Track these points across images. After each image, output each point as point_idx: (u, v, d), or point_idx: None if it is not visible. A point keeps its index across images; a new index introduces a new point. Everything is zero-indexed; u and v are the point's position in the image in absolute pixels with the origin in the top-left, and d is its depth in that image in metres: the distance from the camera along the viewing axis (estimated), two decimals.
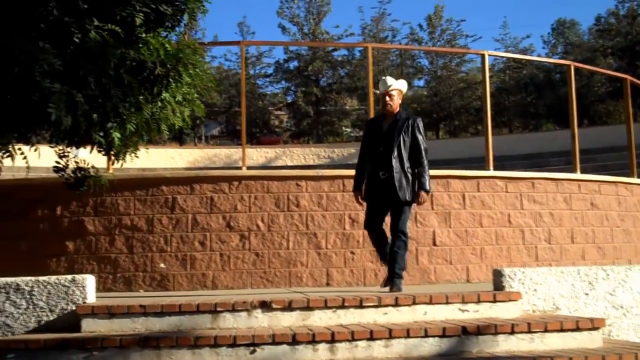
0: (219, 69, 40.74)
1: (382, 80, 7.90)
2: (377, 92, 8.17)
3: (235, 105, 40.72)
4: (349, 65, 40.51)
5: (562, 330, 6.36)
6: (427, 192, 7.71)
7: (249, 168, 11.53)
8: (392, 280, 7.56)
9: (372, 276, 9.56)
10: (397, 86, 7.83)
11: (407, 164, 7.58)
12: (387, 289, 7.61)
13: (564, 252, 10.70)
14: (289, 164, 26.70)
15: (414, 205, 7.89)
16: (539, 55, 41.80)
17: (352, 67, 40.16)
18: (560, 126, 35.11)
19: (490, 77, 12.01)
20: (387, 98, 7.73)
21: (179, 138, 34.86)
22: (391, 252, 7.63)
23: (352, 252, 9.66)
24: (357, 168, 8.03)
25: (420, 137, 7.68)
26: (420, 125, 7.78)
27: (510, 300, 6.89)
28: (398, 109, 7.78)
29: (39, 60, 5.50)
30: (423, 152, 7.67)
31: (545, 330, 6.31)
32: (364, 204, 7.96)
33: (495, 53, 25.04)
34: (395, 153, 7.53)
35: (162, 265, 9.38)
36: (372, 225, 7.78)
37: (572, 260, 10.71)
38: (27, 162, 7.02)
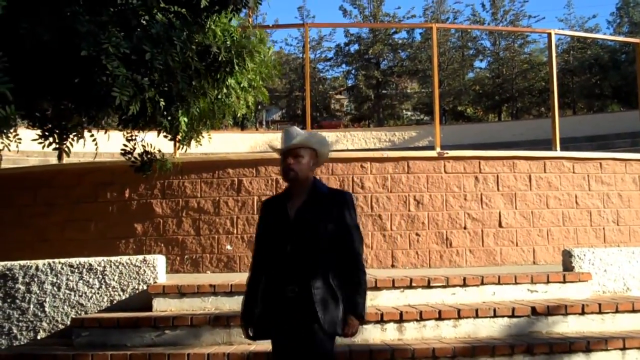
0: (279, 53, 40.82)
1: (285, 132, 4.41)
2: (273, 146, 4.53)
3: (296, 90, 40.89)
4: (409, 47, 40.33)
5: (633, 311, 6.32)
6: (363, 318, 4.31)
7: None
8: None
9: (438, 258, 9.52)
10: (308, 142, 4.34)
11: (332, 274, 4.20)
12: None
13: (633, 234, 10.51)
14: (350, 147, 26.67)
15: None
16: (604, 35, 40.94)
17: (412, 49, 39.96)
18: (626, 107, 34.42)
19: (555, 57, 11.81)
20: (291, 160, 4.27)
21: (240, 123, 35.08)
22: None
23: (417, 234, 9.61)
24: (248, 282, 4.57)
25: (352, 225, 4.32)
26: (353, 204, 4.41)
27: (580, 281, 6.84)
28: (310, 180, 4.37)
29: (104, 42, 5.54)
30: (358, 251, 4.33)
31: (617, 311, 6.27)
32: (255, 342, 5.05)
33: (561, 32, 24.71)
34: (316, 256, 4.20)
35: (228, 246, 9.48)
36: None
37: None
38: (96, 145, 7.16)
